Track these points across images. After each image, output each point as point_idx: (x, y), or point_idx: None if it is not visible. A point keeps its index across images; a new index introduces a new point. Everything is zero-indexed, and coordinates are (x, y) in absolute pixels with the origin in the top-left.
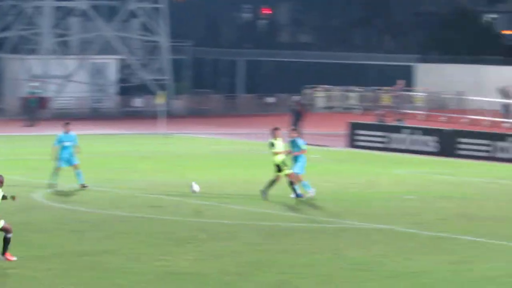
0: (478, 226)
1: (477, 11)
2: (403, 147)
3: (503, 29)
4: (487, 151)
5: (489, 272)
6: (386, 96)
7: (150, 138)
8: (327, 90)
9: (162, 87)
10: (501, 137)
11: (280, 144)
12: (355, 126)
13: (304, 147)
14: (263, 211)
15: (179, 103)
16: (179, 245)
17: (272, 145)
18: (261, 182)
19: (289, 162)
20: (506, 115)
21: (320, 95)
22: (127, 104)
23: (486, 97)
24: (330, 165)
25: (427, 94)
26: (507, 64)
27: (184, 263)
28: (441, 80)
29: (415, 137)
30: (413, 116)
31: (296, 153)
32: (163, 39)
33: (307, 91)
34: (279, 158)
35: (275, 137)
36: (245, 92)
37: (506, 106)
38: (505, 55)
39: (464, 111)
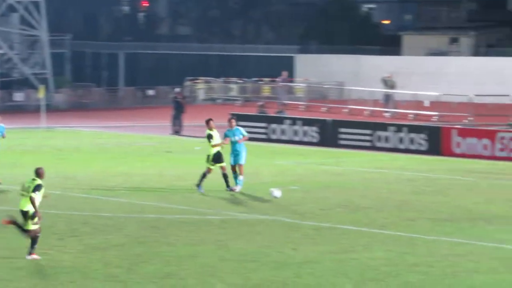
0: (360, 216)
1: (355, 1)
2: (284, 137)
3: (381, 19)
4: (368, 141)
5: (371, 261)
6: (266, 87)
7: (32, 132)
8: (207, 82)
9: (43, 81)
10: (382, 126)
11: (217, 135)
12: (236, 118)
13: (246, 133)
14: (147, 204)
15: (60, 97)
16: (61, 238)
17: (211, 136)
18: (143, 174)
19: (226, 154)
20: (386, 105)
21: (201, 87)
22: (8, 98)
23: (365, 87)
24: None
25: (307, 84)
26: (385, 53)
27: (67, 257)
28: (321, 70)
29: (296, 127)
30: (294, 106)
31: (240, 140)
32: (43, 33)
33: (188, 83)
34: (214, 151)
35: (210, 128)
36: (126, 85)
37: (387, 96)
38: (383, 44)
39: (344, 101)
